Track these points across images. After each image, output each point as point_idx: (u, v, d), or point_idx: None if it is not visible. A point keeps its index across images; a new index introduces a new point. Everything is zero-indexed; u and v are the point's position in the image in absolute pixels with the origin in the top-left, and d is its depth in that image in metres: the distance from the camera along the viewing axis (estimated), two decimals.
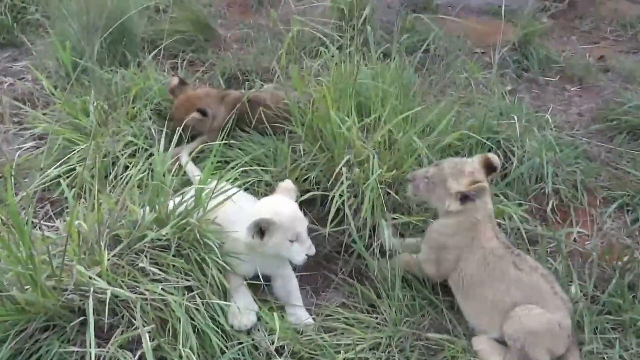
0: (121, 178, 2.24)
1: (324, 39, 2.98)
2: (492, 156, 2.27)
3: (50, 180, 2.62)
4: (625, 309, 2.26)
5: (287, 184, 2.32)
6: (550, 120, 3.30)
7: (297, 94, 2.81)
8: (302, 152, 2.74)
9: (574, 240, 2.68)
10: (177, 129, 2.42)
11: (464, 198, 2.16)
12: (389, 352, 2.10)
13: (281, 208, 2.16)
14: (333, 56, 2.73)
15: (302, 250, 2.14)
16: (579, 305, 2.23)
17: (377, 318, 2.22)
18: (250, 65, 3.84)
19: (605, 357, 2.13)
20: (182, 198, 2.22)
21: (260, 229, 2.09)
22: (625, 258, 2.46)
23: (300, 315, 2.20)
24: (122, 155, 2.55)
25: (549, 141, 3.00)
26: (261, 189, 2.69)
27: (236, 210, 2.22)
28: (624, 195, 2.93)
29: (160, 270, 2.05)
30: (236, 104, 2.97)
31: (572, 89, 4.03)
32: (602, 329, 2.22)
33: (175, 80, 3.02)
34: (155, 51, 3.23)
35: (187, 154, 2.89)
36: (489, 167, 2.26)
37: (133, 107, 2.82)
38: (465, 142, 2.85)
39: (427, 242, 2.30)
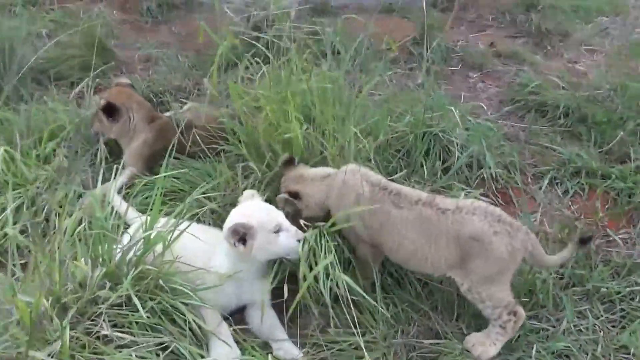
0: (53, 233, 1.90)
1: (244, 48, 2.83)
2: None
3: None
4: (587, 279, 2.39)
5: (249, 192, 2.23)
6: (469, 108, 3.43)
7: (226, 110, 2.63)
8: (247, 171, 2.56)
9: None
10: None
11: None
12: None
13: (251, 209, 2.08)
14: (269, 63, 2.56)
15: (291, 237, 2.05)
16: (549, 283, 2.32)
17: (365, 335, 2.12)
18: (162, 85, 3.55)
19: (582, 329, 2.23)
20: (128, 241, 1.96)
21: (241, 238, 1.99)
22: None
23: (288, 349, 2.03)
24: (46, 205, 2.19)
25: (477, 128, 3.11)
26: (207, 218, 2.47)
27: (198, 243, 2.01)
28: (550, 169, 3.11)
29: (124, 332, 1.77)
30: (165, 129, 2.72)
31: (475, 76, 4.23)
32: (572, 302, 2.32)
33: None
34: (56, 82, 2.83)
35: (116, 190, 2.57)
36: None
37: (45, 148, 2.44)
38: (406, 139, 2.85)
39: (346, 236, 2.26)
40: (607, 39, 4.81)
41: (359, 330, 2.13)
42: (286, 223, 2.07)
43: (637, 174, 3.02)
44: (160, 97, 3.44)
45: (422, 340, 2.11)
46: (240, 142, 2.55)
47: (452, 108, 2.93)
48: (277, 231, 2.03)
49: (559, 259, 2.14)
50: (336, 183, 2.21)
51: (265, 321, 2.09)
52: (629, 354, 2.12)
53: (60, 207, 2.01)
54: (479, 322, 2.18)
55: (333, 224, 2.12)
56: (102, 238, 1.92)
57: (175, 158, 2.77)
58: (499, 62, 4.42)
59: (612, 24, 5.09)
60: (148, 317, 1.80)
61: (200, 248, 2.03)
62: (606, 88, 3.68)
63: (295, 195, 2.22)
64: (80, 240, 1.93)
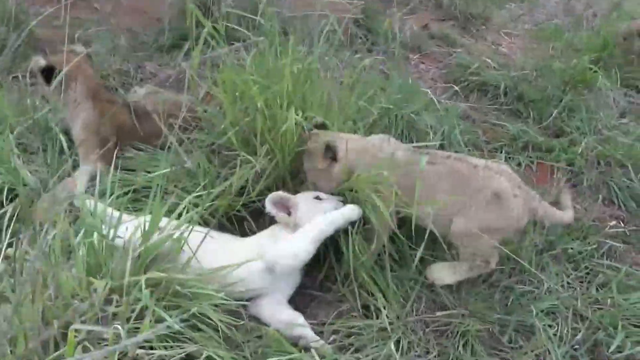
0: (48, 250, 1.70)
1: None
2: None
3: None
4: (557, 243, 2.66)
5: None
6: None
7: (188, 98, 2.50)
8: (231, 162, 2.47)
9: None
10: None
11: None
12: (409, 347, 2.10)
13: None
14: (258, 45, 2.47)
15: (333, 202, 2.23)
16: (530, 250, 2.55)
17: (378, 317, 2.19)
18: (101, 69, 3.27)
19: (559, 288, 2.49)
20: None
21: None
22: None
23: (311, 337, 2.04)
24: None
25: (439, 108, 3.27)
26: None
27: (220, 245, 1.95)
28: (503, 145, 3.38)
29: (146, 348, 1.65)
30: (113, 111, 2.57)
31: (414, 57, 4.41)
32: (543, 265, 2.58)
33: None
34: None
35: (83, 184, 2.38)
36: None
37: None
38: (382, 122, 2.92)
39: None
40: (520, 24, 5.25)
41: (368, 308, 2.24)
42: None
43: (574, 146, 3.39)
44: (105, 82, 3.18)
45: (433, 314, 2.23)
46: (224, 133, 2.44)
47: (428, 90, 3.05)
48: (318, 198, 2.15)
49: (570, 215, 2.43)
50: (370, 146, 2.28)
51: (284, 311, 2.09)
52: (602, 306, 2.40)
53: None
54: (479, 289, 2.36)
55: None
56: (102, 247, 1.78)
57: (139, 149, 2.63)
58: (434, 43, 4.65)
59: (522, 10, 5.56)
60: (169, 327, 1.69)
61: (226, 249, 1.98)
62: (530, 68, 4.04)
63: (333, 149, 2.25)
64: (71, 252, 1.78)
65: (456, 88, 3.89)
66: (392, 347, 2.03)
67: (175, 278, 1.80)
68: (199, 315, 1.80)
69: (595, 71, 3.76)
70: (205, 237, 1.86)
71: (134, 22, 3.47)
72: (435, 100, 3.30)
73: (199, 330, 1.81)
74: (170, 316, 1.70)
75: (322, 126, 2.39)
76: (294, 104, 2.42)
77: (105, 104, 2.72)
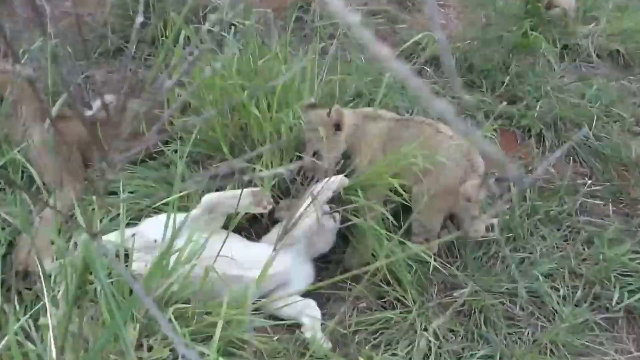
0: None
1: None
2: None
3: None
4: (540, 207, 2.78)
5: None
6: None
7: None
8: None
9: None
10: None
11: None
12: (437, 333, 2.12)
13: None
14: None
15: None
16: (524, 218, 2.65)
17: (397, 307, 2.19)
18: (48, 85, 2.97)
19: (550, 250, 2.62)
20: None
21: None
22: None
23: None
24: None
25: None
26: None
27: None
28: (467, 116, 3.46)
29: None
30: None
31: None
32: (532, 230, 2.69)
33: None
34: None
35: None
36: None
37: None
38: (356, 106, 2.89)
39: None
40: None
41: (385, 300, 2.25)
42: None
43: (529, 110, 3.54)
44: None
45: (450, 293, 2.27)
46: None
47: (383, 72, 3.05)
48: None
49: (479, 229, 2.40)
50: (366, 116, 2.43)
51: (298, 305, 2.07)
52: (595, 262, 2.55)
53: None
54: (482, 263, 2.43)
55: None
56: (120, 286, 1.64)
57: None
58: (374, 20, 4.65)
59: None
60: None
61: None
62: (471, 38, 4.15)
63: (339, 119, 2.33)
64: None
65: (410, 65, 3.93)
66: (427, 335, 2.05)
67: (203, 310, 1.70)
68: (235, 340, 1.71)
69: (537, 36, 3.93)
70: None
71: (69, 27, 3.15)
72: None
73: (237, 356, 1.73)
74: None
75: (314, 106, 2.41)
76: (283, 104, 2.35)
77: (56, 121, 2.49)
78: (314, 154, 2.36)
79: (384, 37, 4.36)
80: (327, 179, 2.24)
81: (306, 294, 2.14)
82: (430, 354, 2.01)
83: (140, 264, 1.82)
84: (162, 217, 1.86)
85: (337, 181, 2.23)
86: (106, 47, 3.21)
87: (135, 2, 3.13)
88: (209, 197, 2.00)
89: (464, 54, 3.93)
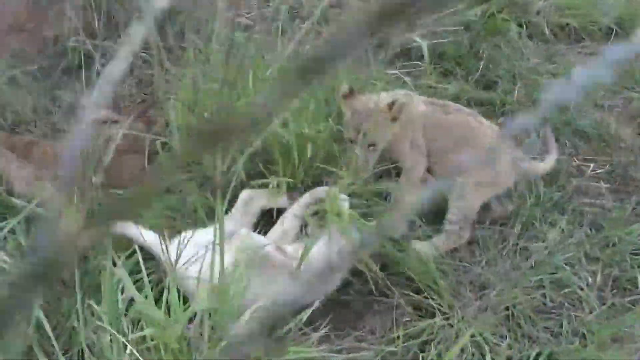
0: None
1: None
2: None
3: None
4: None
5: None
6: None
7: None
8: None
9: None
10: None
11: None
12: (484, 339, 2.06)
13: None
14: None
15: None
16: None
17: (436, 315, 2.11)
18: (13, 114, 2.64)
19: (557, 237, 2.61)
20: None
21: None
22: None
23: None
24: None
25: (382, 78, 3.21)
26: None
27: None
28: None
29: None
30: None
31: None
32: (540, 217, 2.68)
33: None
34: None
35: None
36: None
37: None
38: None
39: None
40: None
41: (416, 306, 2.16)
42: None
43: (507, 94, 3.55)
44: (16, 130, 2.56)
45: (483, 293, 2.21)
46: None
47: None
48: None
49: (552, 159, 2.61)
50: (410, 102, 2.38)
51: None
52: (606, 244, 2.57)
53: None
54: (504, 258, 2.39)
55: None
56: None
57: None
58: (338, 13, 4.51)
59: None
60: None
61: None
62: (437, 24, 4.12)
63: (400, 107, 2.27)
64: None
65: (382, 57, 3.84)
66: (477, 339, 1.98)
67: None
68: None
69: (504, 18, 3.95)
70: None
71: (20, 44, 2.79)
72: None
73: None
74: None
75: (352, 93, 2.33)
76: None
77: (25, 148, 2.23)
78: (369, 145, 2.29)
79: None
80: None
81: (333, 306, 2.04)
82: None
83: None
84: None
85: (322, 190, 2.20)
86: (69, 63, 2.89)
87: (98, 14, 2.82)
88: (246, 192, 2.16)
89: (433, 43, 3.89)
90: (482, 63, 3.72)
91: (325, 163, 2.28)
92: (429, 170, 2.49)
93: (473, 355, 1.94)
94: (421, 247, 2.30)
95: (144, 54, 2.89)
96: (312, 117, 2.33)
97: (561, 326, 2.17)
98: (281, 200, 2.26)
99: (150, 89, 2.86)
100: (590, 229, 2.66)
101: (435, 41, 3.87)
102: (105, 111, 2.34)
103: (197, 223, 2.05)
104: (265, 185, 2.11)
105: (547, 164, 2.60)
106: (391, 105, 2.26)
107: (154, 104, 2.87)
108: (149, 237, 1.97)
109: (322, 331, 1.87)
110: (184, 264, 1.78)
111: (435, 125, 2.39)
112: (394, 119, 2.29)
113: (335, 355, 1.82)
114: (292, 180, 2.15)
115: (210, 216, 2.12)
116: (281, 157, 2.17)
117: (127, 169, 2.26)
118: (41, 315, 1.64)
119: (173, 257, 1.69)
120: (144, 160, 2.24)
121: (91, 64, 2.79)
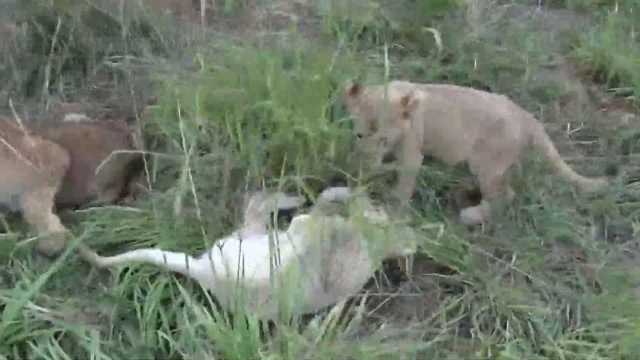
0: None
1: None
2: None
3: None
4: None
5: None
6: None
7: None
8: None
9: None
10: None
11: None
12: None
13: None
14: None
15: None
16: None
17: (464, 291, 2.16)
18: None
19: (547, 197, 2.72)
20: None
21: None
22: None
23: None
24: None
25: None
26: None
27: None
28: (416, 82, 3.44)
29: None
30: None
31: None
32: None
33: None
34: None
35: None
36: None
37: None
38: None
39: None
40: None
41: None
42: None
43: (479, 73, 3.61)
44: None
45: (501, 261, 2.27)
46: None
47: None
48: None
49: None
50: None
51: None
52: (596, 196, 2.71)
53: None
54: (512, 229, 2.48)
55: None
56: None
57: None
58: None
59: None
60: None
61: None
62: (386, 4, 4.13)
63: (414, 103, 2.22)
64: None
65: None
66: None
67: None
68: None
69: None
70: None
71: None
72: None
73: None
74: None
75: (357, 88, 2.28)
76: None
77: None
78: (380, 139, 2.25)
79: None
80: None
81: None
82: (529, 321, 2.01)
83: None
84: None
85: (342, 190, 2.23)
86: (14, 82, 2.63)
87: (47, 32, 2.58)
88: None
89: (384, 21, 3.90)
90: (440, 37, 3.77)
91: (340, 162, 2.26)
92: (431, 157, 2.51)
93: (515, 323, 2.00)
94: (471, 214, 2.46)
95: None
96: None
97: (576, 279, 2.28)
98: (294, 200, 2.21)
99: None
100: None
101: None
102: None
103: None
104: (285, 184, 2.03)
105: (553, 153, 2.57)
106: (405, 100, 2.21)
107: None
108: (175, 259, 1.86)
109: (382, 325, 1.86)
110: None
111: (435, 113, 2.35)
112: (406, 115, 2.24)
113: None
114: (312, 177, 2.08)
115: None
116: (300, 154, 2.11)
117: None
118: None
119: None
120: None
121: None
